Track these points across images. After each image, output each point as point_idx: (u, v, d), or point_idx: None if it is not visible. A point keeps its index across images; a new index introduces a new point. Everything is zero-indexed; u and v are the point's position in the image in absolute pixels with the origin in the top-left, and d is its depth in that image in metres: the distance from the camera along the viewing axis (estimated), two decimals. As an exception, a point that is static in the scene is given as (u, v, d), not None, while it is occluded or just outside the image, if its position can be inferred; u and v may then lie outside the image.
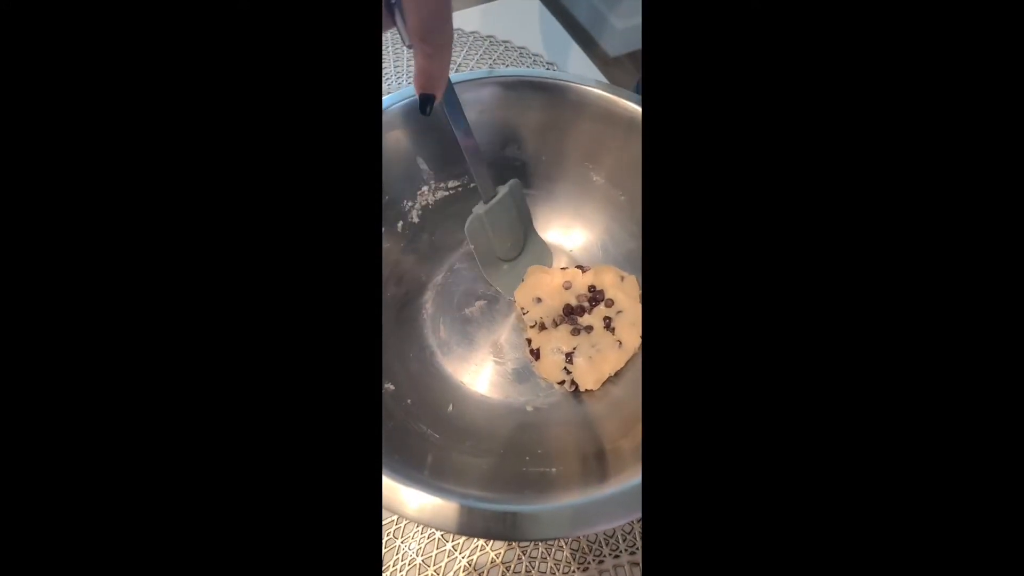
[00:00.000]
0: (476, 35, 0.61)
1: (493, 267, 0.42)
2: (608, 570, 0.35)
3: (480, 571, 0.35)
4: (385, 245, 0.40)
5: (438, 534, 0.36)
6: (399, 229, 0.41)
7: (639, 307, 0.39)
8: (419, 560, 0.35)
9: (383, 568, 0.35)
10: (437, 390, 0.38)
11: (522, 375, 0.39)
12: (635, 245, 0.41)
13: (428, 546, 0.36)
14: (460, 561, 0.35)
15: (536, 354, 0.39)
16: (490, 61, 0.59)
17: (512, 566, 0.35)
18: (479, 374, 0.39)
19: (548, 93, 0.39)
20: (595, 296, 0.40)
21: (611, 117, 0.38)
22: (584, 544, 0.36)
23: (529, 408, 0.37)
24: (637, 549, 0.36)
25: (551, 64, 0.59)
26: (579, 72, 0.59)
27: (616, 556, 0.36)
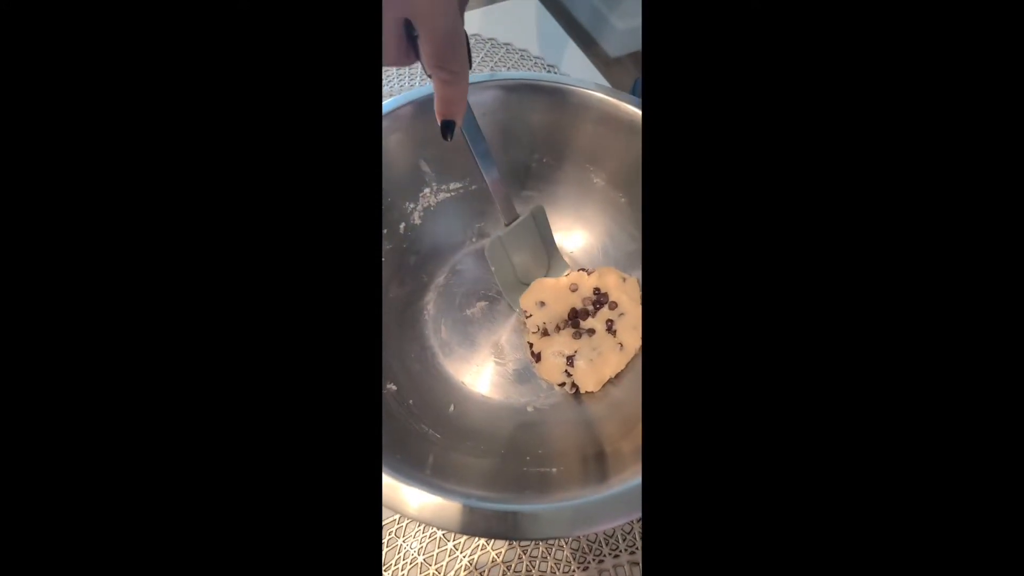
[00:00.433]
0: (478, 37, 0.61)
1: (513, 289, 0.42)
2: (608, 570, 0.35)
3: (481, 570, 0.35)
4: (387, 247, 0.40)
5: (439, 533, 0.36)
6: (401, 230, 0.41)
7: (639, 309, 0.39)
8: (421, 559, 0.36)
9: (385, 567, 0.35)
10: (438, 390, 0.38)
11: (523, 376, 0.39)
12: (635, 247, 0.41)
13: (429, 545, 0.36)
14: (461, 560, 0.36)
15: (537, 357, 0.39)
16: (491, 64, 0.59)
17: (513, 565, 0.35)
18: (480, 375, 0.39)
19: (549, 96, 0.39)
20: (599, 299, 0.40)
21: (612, 120, 0.38)
22: (584, 544, 0.36)
23: (530, 409, 0.38)
24: (637, 549, 0.36)
25: (552, 67, 0.60)
26: (580, 74, 0.59)
27: (616, 556, 0.36)
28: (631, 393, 0.37)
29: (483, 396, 0.38)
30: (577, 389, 0.38)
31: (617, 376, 0.38)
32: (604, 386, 0.38)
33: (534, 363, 0.39)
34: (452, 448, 0.33)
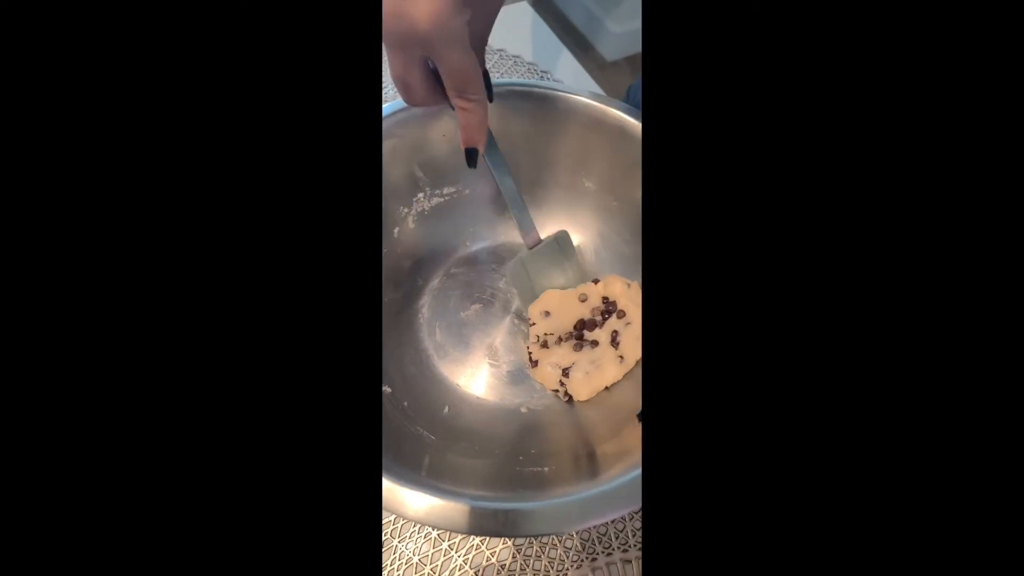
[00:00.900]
0: (471, 44, 0.62)
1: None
2: (601, 567, 0.36)
3: (477, 570, 0.36)
4: (382, 250, 0.41)
5: (435, 534, 0.37)
6: (396, 235, 0.41)
7: None
8: (416, 559, 0.36)
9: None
10: (433, 392, 0.38)
11: (517, 377, 0.40)
12: (628, 250, 0.42)
13: (425, 546, 0.36)
14: (456, 560, 0.36)
15: (535, 363, 0.40)
16: (485, 69, 0.60)
17: (508, 564, 0.36)
18: (475, 376, 0.40)
19: (537, 102, 0.40)
20: (608, 308, 0.41)
21: (600, 125, 0.39)
22: (578, 542, 0.37)
23: (523, 409, 0.38)
24: (629, 547, 0.36)
25: (546, 73, 0.60)
26: (573, 79, 0.60)
27: (608, 554, 0.36)
28: (622, 398, 0.37)
29: (477, 398, 0.39)
30: (570, 397, 0.38)
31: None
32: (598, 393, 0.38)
33: (530, 367, 0.40)
34: (447, 449, 0.34)
